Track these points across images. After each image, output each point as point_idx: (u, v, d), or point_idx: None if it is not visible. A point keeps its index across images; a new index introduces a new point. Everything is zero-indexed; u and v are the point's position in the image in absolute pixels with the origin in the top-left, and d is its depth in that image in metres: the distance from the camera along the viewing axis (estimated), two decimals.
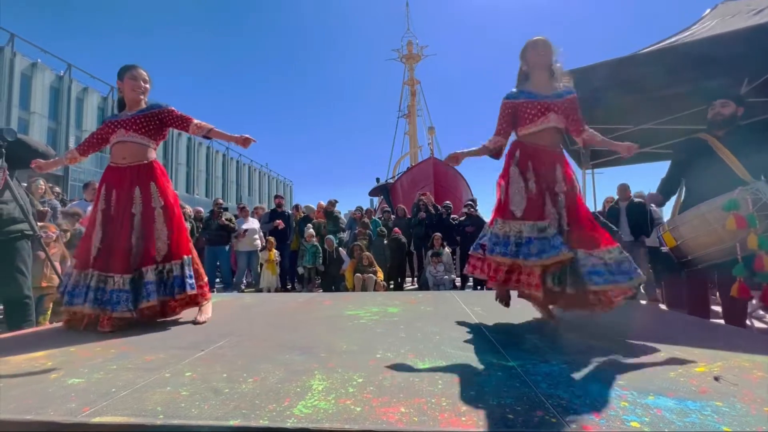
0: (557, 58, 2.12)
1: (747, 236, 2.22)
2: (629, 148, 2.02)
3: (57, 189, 5.97)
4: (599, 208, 6.24)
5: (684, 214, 2.60)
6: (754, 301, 3.28)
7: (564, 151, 2.18)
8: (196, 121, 2.22)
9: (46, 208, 4.17)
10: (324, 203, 7.67)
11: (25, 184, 3.94)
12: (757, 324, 3.46)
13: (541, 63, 2.09)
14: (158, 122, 2.19)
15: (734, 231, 2.25)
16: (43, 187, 4.66)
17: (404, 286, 7.18)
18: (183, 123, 2.22)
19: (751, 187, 2.28)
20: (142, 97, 2.21)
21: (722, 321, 2.70)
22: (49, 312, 3.60)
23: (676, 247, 2.64)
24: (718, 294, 3.42)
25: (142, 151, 2.16)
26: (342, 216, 8.08)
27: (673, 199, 2.95)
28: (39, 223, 3.16)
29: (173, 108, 2.23)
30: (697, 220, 2.47)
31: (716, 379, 1.19)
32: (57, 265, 3.24)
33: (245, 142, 2.17)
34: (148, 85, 2.23)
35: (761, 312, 3.51)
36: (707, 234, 2.42)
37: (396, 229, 7.10)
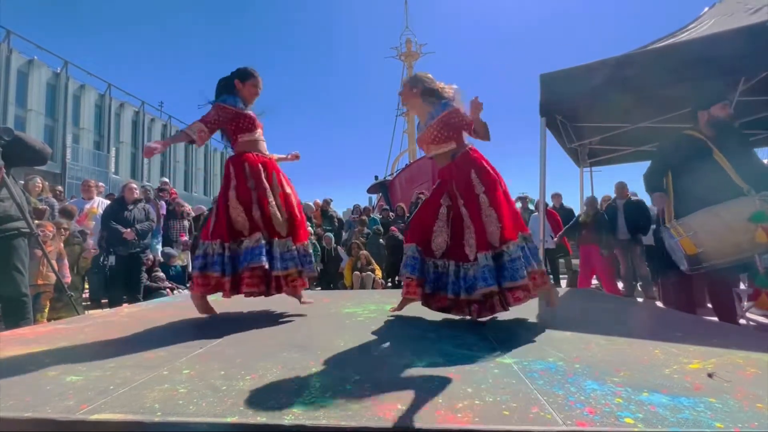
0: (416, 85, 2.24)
1: None
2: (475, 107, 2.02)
3: (59, 188, 5.96)
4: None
5: (698, 219, 2.51)
6: (745, 303, 3.30)
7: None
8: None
9: (44, 206, 4.16)
10: (320, 202, 7.70)
11: (22, 182, 3.93)
12: (752, 321, 3.48)
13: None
14: None
15: (763, 244, 2.25)
16: (41, 185, 4.64)
17: None
18: None
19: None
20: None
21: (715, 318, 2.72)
22: (46, 309, 3.60)
23: (696, 255, 2.58)
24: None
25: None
26: (338, 214, 8.11)
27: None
28: (36, 221, 3.16)
29: None
30: (722, 230, 2.41)
31: (710, 375, 1.20)
32: (54, 263, 3.24)
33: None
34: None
35: (756, 311, 3.53)
36: (733, 245, 2.40)
37: (393, 227, 7.11)
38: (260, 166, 2.29)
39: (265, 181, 2.28)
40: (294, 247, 2.30)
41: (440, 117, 2.12)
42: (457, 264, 2.04)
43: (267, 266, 2.14)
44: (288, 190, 2.40)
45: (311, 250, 2.46)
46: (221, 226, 2.20)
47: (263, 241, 2.19)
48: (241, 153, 2.31)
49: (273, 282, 2.22)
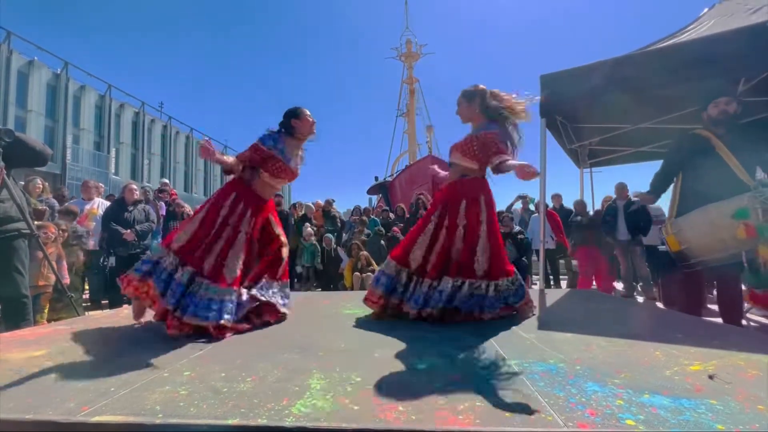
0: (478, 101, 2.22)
1: (758, 245, 2.22)
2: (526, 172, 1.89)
3: (65, 189, 5.97)
4: (597, 207, 6.26)
5: (689, 218, 2.54)
6: (745, 304, 3.30)
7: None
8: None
9: (44, 207, 4.16)
10: (322, 202, 7.68)
11: (22, 183, 3.92)
12: (753, 321, 3.48)
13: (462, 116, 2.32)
14: None
15: (745, 240, 2.24)
16: (41, 185, 4.64)
17: None
18: None
19: (759, 194, 2.27)
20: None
21: (719, 319, 2.72)
22: (45, 310, 3.59)
23: (680, 252, 2.61)
24: (715, 293, 3.43)
25: None
26: (341, 215, 8.10)
27: (666, 196, 2.94)
28: (37, 222, 3.15)
29: None
30: (705, 227, 2.43)
31: (711, 377, 1.20)
32: (54, 264, 3.23)
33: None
34: None
35: (756, 311, 3.53)
36: (717, 241, 2.41)
37: (395, 228, 7.10)
38: (250, 215, 2.18)
39: (245, 227, 2.16)
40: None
41: (481, 135, 2.14)
42: (422, 280, 2.17)
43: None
44: (277, 230, 2.34)
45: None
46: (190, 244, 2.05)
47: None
48: (249, 186, 2.23)
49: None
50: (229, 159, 2.23)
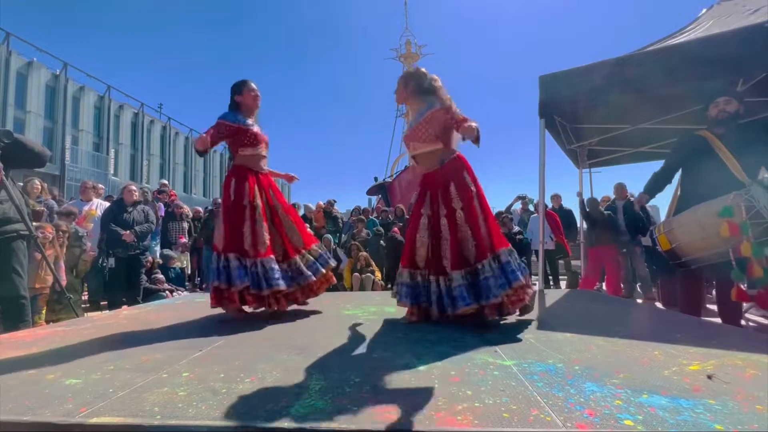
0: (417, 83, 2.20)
1: (740, 243, 2.24)
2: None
3: (55, 191, 5.95)
4: None
5: (680, 217, 2.59)
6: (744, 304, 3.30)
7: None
8: None
9: (42, 208, 4.16)
10: (323, 203, 7.68)
11: (21, 184, 3.92)
12: (752, 321, 3.48)
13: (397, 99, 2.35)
14: None
15: (728, 238, 2.26)
16: (39, 186, 4.63)
17: None
18: None
19: (745, 193, 2.28)
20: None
21: (718, 319, 2.73)
22: (43, 311, 3.59)
23: (671, 250, 2.65)
24: (714, 293, 3.44)
25: None
26: (342, 215, 8.10)
27: (668, 196, 2.96)
28: (35, 223, 3.15)
29: None
30: (693, 225, 2.48)
31: (709, 377, 1.20)
32: (52, 265, 3.23)
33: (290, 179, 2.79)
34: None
35: (755, 311, 3.54)
36: (702, 239, 2.44)
37: (395, 228, 7.10)
38: (256, 186, 2.36)
39: (260, 199, 2.35)
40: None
41: (427, 115, 2.11)
42: (438, 278, 2.08)
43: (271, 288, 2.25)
44: (278, 206, 2.47)
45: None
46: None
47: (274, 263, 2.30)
48: (239, 167, 2.38)
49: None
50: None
